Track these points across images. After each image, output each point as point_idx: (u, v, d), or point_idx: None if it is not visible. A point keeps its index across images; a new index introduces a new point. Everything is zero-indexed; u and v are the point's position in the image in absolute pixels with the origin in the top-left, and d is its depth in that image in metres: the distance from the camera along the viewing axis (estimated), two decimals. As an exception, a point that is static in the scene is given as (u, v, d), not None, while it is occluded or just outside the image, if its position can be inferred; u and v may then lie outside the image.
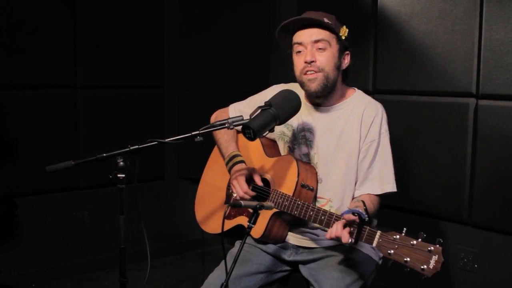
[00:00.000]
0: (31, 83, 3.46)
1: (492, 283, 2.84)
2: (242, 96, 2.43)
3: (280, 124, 1.96)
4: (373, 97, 3.19)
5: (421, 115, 3.00)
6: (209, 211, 2.37)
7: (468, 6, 2.77)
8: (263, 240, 2.16)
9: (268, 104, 1.92)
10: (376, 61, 3.18)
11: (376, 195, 2.09)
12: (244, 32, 3.92)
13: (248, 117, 1.91)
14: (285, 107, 1.95)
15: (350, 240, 1.78)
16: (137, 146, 1.88)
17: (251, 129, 1.85)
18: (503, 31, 2.66)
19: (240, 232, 2.19)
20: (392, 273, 2.92)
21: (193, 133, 1.89)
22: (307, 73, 2.06)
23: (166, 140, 1.90)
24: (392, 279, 3.14)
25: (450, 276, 3.01)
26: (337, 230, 1.81)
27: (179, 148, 4.13)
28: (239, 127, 2.14)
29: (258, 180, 2.13)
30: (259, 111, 1.92)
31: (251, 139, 1.89)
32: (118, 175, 1.87)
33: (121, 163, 1.87)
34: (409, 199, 3.01)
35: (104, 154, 1.88)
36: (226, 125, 1.89)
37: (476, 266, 2.89)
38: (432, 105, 2.95)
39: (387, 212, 2.87)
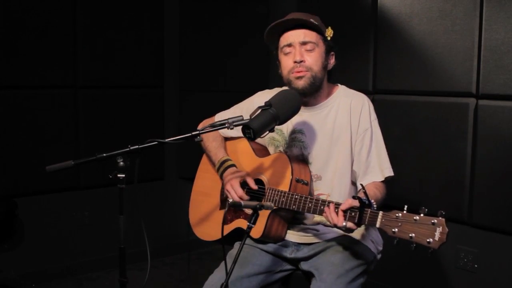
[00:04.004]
0: (31, 83, 3.46)
1: (492, 283, 2.84)
2: (242, 96, 2.43)
3: (280, 124, 1.96)
4: (373, 97, 3.22)
5: (421, 115, 3.00)
6: (205, 220, 2.37)
7: (468, 6, 2.77)
8: (263, 239, 2.16)
9: (268, 104, 1.92)
10: (376, 61, 3.18)
11: (380, 181, 2.12)
12: (244, 32, 3.92)
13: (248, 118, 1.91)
14: (285, 107, 1.95)
15: (344, 223, 1.81)
16: (137, 146, 1.88)
17: (251, 129, 1.86)
18: (503, 31, 2.66)
19: (238, 236, 2.19)
20: (391, 272, 2.93)
21: (193, 133, 1.89)
22: (295, 72, 2.09)
23: (166, 140, 1.90)
24: (391, 279, 3.15)
25: (450, 276, 3.01)
26: (333, 218, 1.84)
27: (179, 148, 4.13)
28: (231, 132, 2.14)
29: (252, 184, 2.14)
30: (259, 111, 1.92)
31: (251, 139, 1.89)
32: (118, 175, 1.87)
33: (121, 163, 1.87)
34: (409, 199, 3.01)
35: (104, 154, 1.88)
36: (226, 125, 1.89)
37: (476, 266, 2.89)
38: (432, 105, 2.95)
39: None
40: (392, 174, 2.14)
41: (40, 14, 3.43)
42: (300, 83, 2.09)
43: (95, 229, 3.79)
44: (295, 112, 2.00)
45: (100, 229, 3.78)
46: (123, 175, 1.87)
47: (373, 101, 3.11)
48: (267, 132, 1.91)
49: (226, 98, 2.53)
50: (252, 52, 3.91)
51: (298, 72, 2.08)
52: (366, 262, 2.10)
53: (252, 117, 1.90)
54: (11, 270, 3.46)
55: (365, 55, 3.21)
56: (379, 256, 2.22)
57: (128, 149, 1.88)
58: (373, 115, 2.17)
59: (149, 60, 3.96)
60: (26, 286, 3.41)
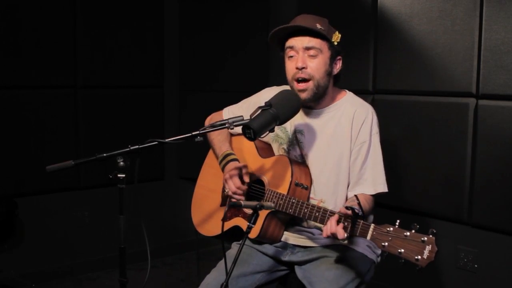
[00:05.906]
0: (31, 83, 3.46)
1: (492, 283, 2.84)
2: (242, 96, 2.43)
3: (280, 124, 1.96)
4: (373, 97, 3.21)
5: (421, 115, 3.00)
6: (205, 214, 2.38)
7: (468, 6, 2.77)
8: (259, 240, 2.16)
9: (268, 104, 1.93)
10: (376, 61, 3.18)
11: (370, 195, 2.11)
12: (244, 32, 3.92)
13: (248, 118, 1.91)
14: (285, 107, 1.95)
15: (345, 235, 1.79)
16: (137, 146, 1.88)
17: (251, 129, 1.86)
18: (503, 31, 2.66)
19: (236, 234, 2.19)
20: (392, 272, 2.92)
21: (193, 133, 1.89)
22: (298, 80, 2.07)
23: (166, 140, 1.90)
24: (392, 279, 3.14)
25: (450, 276, 3.01)
26: (332, 226, 1.82)
27: (179, 148, 4.13)
28: (235, 130, 2.15)
29: (245, 177, 2.14)
30: (259, 111, 1.92)
31: (251, 139, 1.89)
32: (118, 175, 1.87)
33: (121, 163, 1.87)
34: (409, 199, 3.01)
35: (104, 154, 1.88)
36: (227, 125, 1.89)
37: (476, 266, 2.89)
38: (432, 105, 2.95)
39: (387, 212, 2.87)
40: (385, 190, 2.12)
41: (40, 14, 3.43)
42: (303, 95, 2.08)
43: (95, 229, 3.79)
44: (295, 112, 2.00)
45: (100, 229, 3.78)
46: (123, 175, 1.88)
47: (373, 101, 3.13)
48: (267, 132, 1.91)
49: (226, 98, 2.53)
50: (252, 52, 3.91)
51: (301, 83, 2.06)
52: (362, 273, 2.07)
53: (252, 117, 1.90)
54: (11, 270, 3.46)
55: (365, 55, 3.20)
56: (379, 259, 2.18)
57: (128, 149, 1.88)
58: (375, 129, 2.14)
59: (149, 60, 3.96)
60: (26, 286, 3.41)
